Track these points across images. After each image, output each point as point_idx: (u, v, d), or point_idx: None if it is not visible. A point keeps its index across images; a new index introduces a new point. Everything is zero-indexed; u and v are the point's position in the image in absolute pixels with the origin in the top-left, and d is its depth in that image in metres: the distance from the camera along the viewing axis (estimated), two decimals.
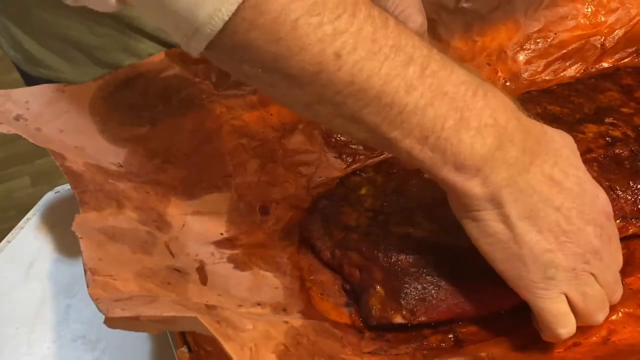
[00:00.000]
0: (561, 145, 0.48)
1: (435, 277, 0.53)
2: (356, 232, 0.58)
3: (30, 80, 0.79)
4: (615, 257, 0.50)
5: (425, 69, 0.42)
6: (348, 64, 0.40)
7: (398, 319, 0.53)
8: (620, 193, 0.58)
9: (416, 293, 0.53)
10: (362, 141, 0.49)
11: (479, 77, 0.45)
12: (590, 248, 0.47)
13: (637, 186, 0.58)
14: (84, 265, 0.47)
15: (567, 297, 0.48)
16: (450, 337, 0.53)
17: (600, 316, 0.49)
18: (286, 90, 0.43)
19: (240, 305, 0.52)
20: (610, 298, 0.50)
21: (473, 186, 0.45)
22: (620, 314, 0.52)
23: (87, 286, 0.46)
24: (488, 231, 0.46)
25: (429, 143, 0.43)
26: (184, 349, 0.50)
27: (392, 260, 0.55)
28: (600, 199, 0.48)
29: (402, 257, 0.54)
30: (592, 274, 0.48)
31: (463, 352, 0.51)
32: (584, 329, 0.51)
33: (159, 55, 0.68)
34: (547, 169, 0.46)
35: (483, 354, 0.51)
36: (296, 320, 0.51)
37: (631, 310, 0.52)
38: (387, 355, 0.52)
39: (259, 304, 0.53)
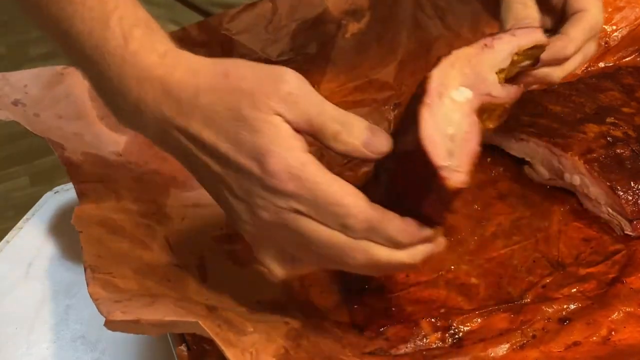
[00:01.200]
0: (227, 107, 0.42)
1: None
2: None
3: None
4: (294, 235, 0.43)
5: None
6: None
7: None
8: (621, 193, 0.58)
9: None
10: None
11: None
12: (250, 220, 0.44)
13: (637, 186, 0.58)
14: (84, 262, 0.47)
15: None
16: (450, 337, 0.53)
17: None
18: None
19: (240, 304, 0.52)
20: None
21: None
22: (620, 313, 0.52)
23: (87, 284, 0.46)
24: None
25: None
26: (183, 347, 0.50)
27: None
28: (258, 169, 0.42)
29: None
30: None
31: (463, 352, 0.51)
32: (583, 328, 0.51)
33: None
34: (192, 132, 0.43)
35: (483, 354, 0.51)
36: (296, 320, 0.51)
37: (631, 310, 0.52)
38: (387, 356, 0.52)
39: (258, 302, 0.53)
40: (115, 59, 0.44)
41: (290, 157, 0.41)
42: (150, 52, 0.44)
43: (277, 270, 0.46)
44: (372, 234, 0.43)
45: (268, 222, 0.43)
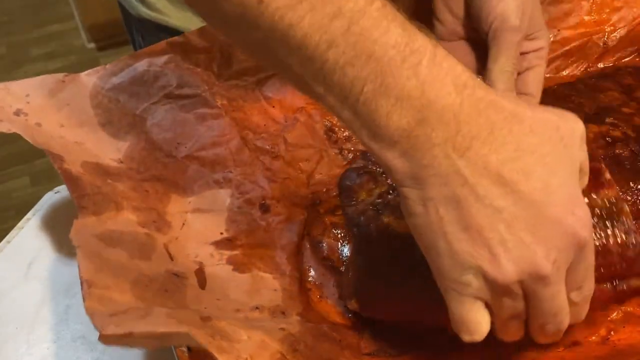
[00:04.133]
0: (543, 140, 0.41)
1: (396, 278, 0.52)
2: (354, 207, 0.57)
3: (134, 21, 0.82)
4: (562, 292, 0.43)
5: (353, 25, 0.38)
6: (270, 10, 0.38)
7: (351, 306, 0.54)
8: (620, 193, 0.58)
9: (370, 288, 0.53)
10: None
11: (424, 42, 0.40)
12: (533, 270, 0.41)
13: (637, 187, 0.58)
14: (80, 277, 0.46)
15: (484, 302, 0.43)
16: (450, 337, 0.53)
17: (513, 335, 0.46)
18: (227, 31, 0.44)
19: (238, 310, 0.52)
20: (544, 327, 0.45)
21: (392, 158, 0.41)
22: (620, 313, 0.52)
23: (83, 299, 0.45)
24: (409, 210, 0.42)
25: (348, 104, 0.40)
26: (184, 347, 0.50)
27: (364, 248, 0.54)
28: (572, 219, 0.41)
29: (374, 247, 0.54)
30: (527, 294, 0.43)
31: (462, 352, 0.51)
32: (582, 328, 0.51)
33: (160, 44, 0.68)
34: (496, 162, 0.40)
35: (482, 354, 0.51)
36: (294, 326, 0.51)
37: (631, 309, 0.52)
38: (386, 357, 0.52)
39: (257, 308, 0.53)
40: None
41: (586, 210, 0.42)
42: (436, 57, 0.41)
43: (485, 321, 0.44)
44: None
45: (540, 274, 0.41)
